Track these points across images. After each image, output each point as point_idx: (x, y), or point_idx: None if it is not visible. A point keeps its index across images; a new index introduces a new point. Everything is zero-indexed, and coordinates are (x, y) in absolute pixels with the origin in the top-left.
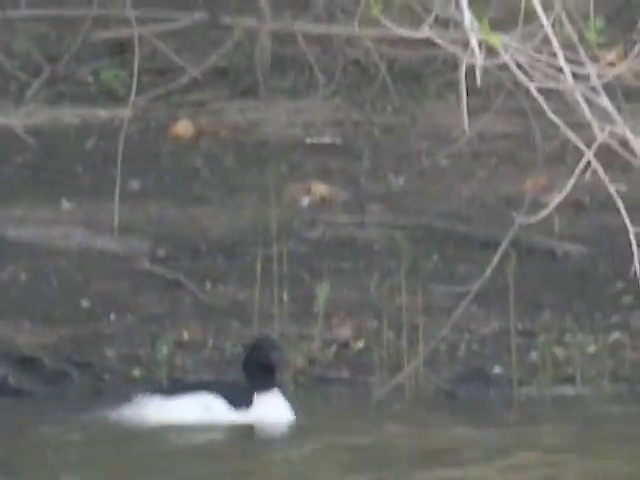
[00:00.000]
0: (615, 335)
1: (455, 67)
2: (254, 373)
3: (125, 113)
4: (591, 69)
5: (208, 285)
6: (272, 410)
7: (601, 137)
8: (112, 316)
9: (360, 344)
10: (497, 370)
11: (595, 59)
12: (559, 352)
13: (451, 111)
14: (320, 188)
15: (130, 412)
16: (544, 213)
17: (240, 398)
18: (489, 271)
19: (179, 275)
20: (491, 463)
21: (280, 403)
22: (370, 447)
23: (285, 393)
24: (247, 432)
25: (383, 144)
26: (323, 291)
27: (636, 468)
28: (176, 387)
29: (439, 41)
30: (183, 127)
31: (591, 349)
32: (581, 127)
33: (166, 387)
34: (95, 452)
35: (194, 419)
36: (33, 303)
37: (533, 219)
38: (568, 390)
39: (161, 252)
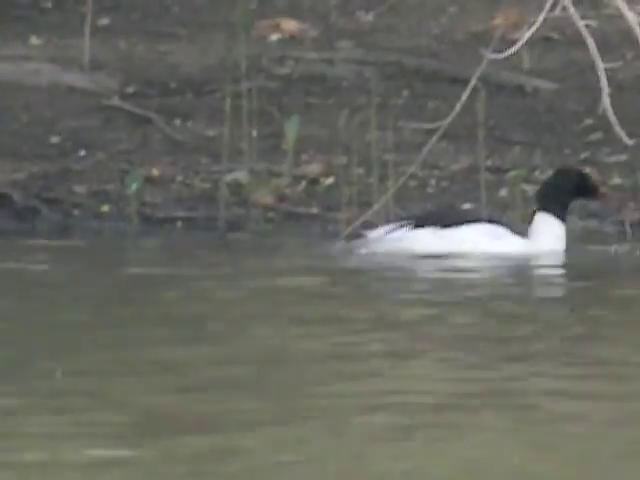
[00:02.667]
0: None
1: None
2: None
3: None
4: None
5: (177, 121)
6: (551, 239)
7: None
8: (81, 152)
9: (329, 180)
10: (467, 206)
11: None
12: (528, 188)
13: None
14: (289, 24)
15: (392, 244)
16: (514, 49)
17: (518, 228)
18: (458, 107)
19: (148, 111)
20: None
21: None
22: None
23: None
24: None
25: None
26: (292, 127)
27: None
28: (434, 219)
29: None
30: None
31: None
32: None
33: (424, 220)
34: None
35: (481, 248)
36: (2, 140)
37: (502, 55)
38: None
39: (130, 88)
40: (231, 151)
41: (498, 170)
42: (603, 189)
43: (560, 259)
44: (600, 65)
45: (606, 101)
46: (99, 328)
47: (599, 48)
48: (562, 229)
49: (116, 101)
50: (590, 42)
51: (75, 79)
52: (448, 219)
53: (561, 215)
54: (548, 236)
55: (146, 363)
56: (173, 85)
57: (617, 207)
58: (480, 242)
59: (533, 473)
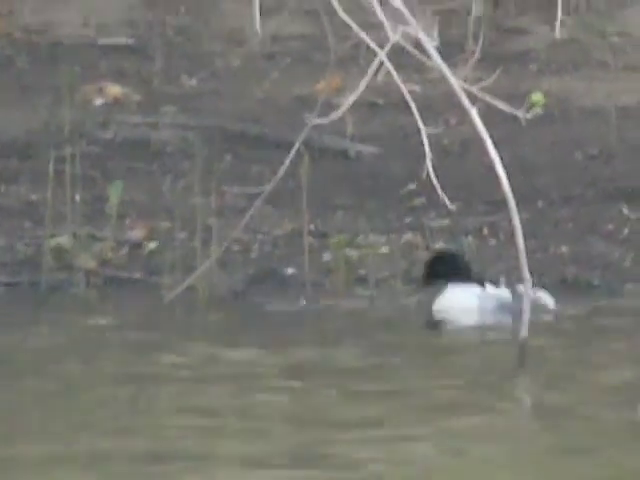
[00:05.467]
0: (408, 236)
1: None
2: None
3: None
4: None
5: (1, 186)
6: None
7: (394, 38)
8: None
9: (153, 245)
10: (290, 271)
11: None
12: (352, 253)
13: (244, 12)
14: (113, 89)
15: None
16: (337, 114)
17: None
18: (282, 172)
19: None
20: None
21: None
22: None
23: None
24: None
25: (176, 45)
26: (115, 192)
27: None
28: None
29: None
30: None
31: (384, 250)
32: (374, 28)
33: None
34: None
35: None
36: None
37: (326, 120)
38: (360, 291)
39: None
40: (54, 215)
41: (322, 235)
42: None
43: None
44: (423, 130)
45: (429, 165)
46: None
47: (423, 113)
48: None
49: None
50: (414, 107)
51: None
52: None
53: None
54: None
55: None
56: None
57: None
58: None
59: None
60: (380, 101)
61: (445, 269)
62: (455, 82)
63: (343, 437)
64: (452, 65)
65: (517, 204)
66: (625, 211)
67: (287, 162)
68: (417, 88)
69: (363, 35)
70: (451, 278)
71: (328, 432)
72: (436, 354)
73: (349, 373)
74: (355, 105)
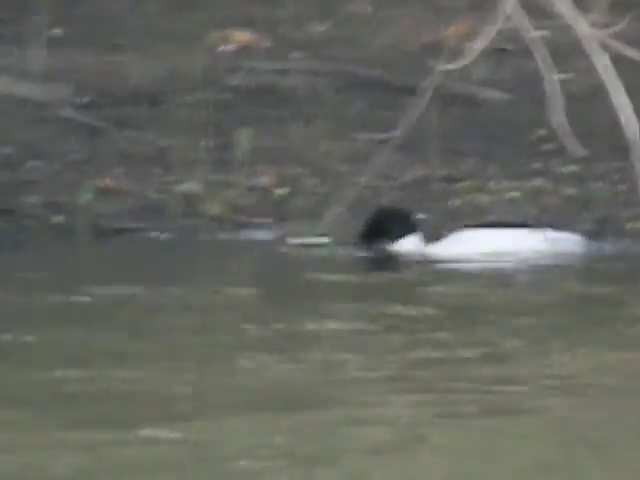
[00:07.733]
0: (537, 181)
1: None
2: None
3: None
4: None
5: (130, 132)
6: None
7: None
8: (34, 163)
9: (282, 191)
10: (420, 216)
11: None
12: (482, 198)
13: None
14: (242, 35)
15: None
16: (467, 60)
17: None
18: (412, 118)
19: (101, 122)
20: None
21: None
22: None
23: None
24: None
25: None
26: (245, 138)
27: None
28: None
29: None
30: None
31: (513, 195)
32: None
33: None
34: None
35: None
36: None
37: (455, 66)
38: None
39: (84, 99)
40: (184, 162)
41: (451, 180)
42: None
43: None
44: (553, 76)
45: (561, 112)
46: None
47: (553, 58)
48: None
49: (69, 112)
50: (543, 53)
51: (28, 89)
52: None
53: None
54: None
55: None
56: (126, 95)
57: None
58: None
59: None
60: (509, 47)
61: (389, 225)
62: (584, 29)
63: None
64: (582, 10)
65: None
66: None
67: (420, 108)
68: (546, 34)
69: None
70: (395, 235)
71: None
72: None
73: None
74: (484, 51)
